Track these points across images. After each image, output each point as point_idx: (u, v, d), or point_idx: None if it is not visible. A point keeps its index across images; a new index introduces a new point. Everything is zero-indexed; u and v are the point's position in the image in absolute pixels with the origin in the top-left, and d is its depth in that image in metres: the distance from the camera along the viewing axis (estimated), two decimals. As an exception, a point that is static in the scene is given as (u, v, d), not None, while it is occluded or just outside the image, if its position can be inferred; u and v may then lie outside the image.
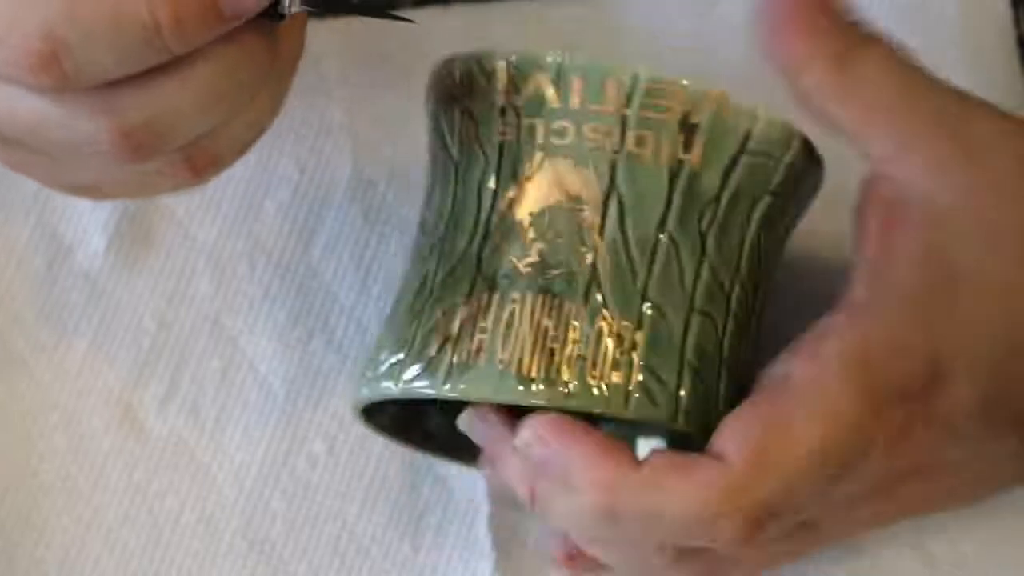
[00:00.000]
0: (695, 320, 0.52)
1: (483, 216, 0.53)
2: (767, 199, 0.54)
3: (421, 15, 0.65)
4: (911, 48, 0.64)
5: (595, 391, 0.51)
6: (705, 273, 0.53)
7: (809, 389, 0.50)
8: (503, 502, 0.59)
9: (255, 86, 0.50)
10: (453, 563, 0.61)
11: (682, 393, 0.52)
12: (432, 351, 0.52)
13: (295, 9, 0.49)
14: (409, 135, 0.64)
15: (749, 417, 0.51)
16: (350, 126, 0.64)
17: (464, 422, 0.54)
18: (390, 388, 0.53)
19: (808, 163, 0.54)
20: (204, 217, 0.64)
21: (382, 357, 0.54)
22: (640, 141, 0.52)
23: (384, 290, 0.63)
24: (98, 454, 0.61)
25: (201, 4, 0.47)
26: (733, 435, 0.50)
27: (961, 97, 0.54)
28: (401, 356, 0.53)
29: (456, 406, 0.55)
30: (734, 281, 0.53)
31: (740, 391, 0.53)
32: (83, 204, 0.63)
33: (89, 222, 0.63)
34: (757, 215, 0.54)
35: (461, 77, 0.54)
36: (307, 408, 0.62)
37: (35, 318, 0.63)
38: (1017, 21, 0.65)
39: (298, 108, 0.64)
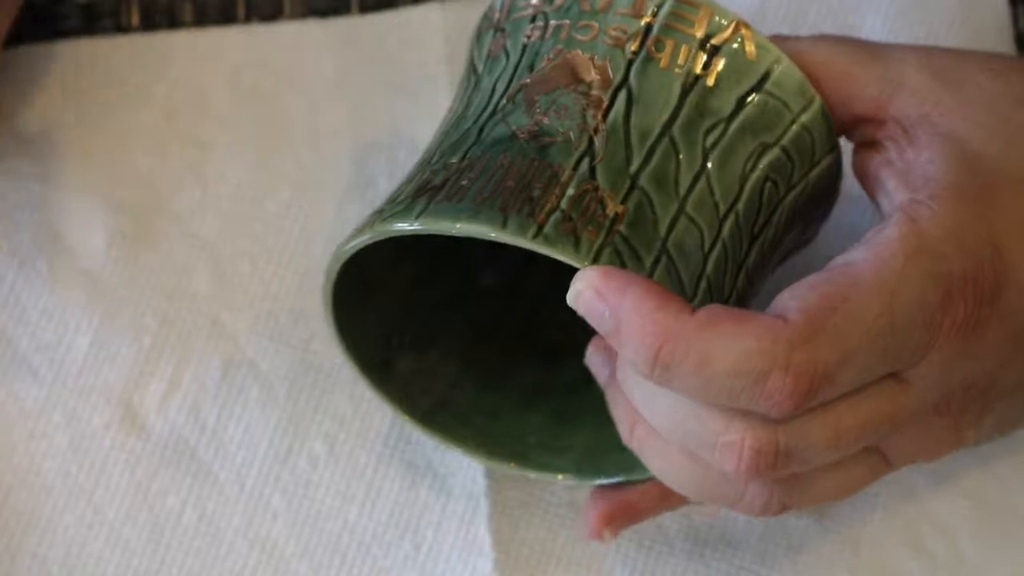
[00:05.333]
0: (683, 220, 0.52)
1: (494, 100, 0.53)
2: (776, 151, 0.54)
3: (419, 12, 0.65)
4: (910, 43, 0.64)
5: (568, 240, 0.50)
6: (701, 184, 0.52)
7: (873, 267, 0.49)
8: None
9: None
10: (453, 561, 0.61)
11: (657, 271, 0.51)
12: (410, 198, 0.52)
13: None
14: (409, 132, 0.64)
15: (811, 285, 0.49)
16: (350, 124, 0.64)
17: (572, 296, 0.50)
18: (364, 235, 0.52)
19: (820, 130, 0.54)
20: (205, 215, 0.64)
21: (373, 212, 0.54)
22: (659, 46, 0.53)
23: (384, 288, 0.63)
24: (99, 453, 0.62)
25: None
26: (793, 296, 0.49)
27: (903, 46, 0.54)
28: (387, 206, 0.52)
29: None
30: (730, 210, 0.53)
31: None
32: (84, 203, 0.63)
33: (90, 221, 0.63)
34: (765, 163, 0.53)
35: (503, 3, 0.55)
36: (308, 407, 0.62)
37: (37, 317, 0.63)
38: (1015, 18, 0.64)
39: (298, 108, 0.64)
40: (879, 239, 0.49)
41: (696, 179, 0.52)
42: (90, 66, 0.65)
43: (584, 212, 0.51)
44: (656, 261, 0.51)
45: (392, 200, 0.53)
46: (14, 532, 0.61)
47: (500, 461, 0.59)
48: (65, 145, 0.64)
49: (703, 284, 0.53)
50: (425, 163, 0.54)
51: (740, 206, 0.53)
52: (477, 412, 0.60)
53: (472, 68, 0.56)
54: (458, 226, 0.50)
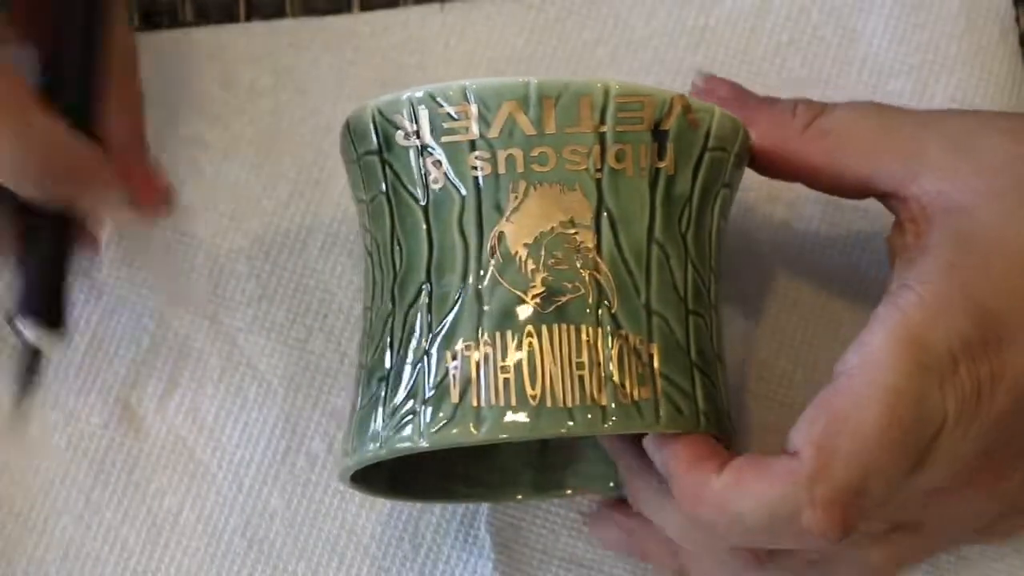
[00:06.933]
0: (691, 322, 0.52)
1: (472, 254, 0.51)
2: (723, 192, 0.54)
3: (418, 13, 0.65)
4: (913, 46, 0.64)
5: (631, 410, 0.50)
6: (691, 274, 0.53)
7: (864, 375, 0.50)
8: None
9: None
10: (453, 562, 0.61)
11: (699, 396, 0.52)
12: (454, 397, 0.51)
13: None
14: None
15: (815, 412, 0.50)
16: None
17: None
18: (413, 442, 0.51)
19: (746, 152, 0.55)
20: (202, 215, 0.63)
21: (387, 411, 0.52)
22: (620, 156, 0.51)
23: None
24: (97, 452, 0.61)
25: None
26: (801, 430, 0.50)
27: (926, 114, 0.55)
28: (414, 406, 0.51)
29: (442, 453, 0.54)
30: (709, 276, 0.54)
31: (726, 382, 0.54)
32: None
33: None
34: (717, 208, 0.54)
35: (413, 116, 0.52)
36: (306, 406, 0.62)
37: (34, 316, 0.62)
38: (1019, 19, 0.65)
39: (296, 107, 0.64)
40: (867, 339, 0.50)
41: (686, 272, 0.53)
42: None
43: (629, 371, 0.51)
44: (692, 382, 0.52)
45: (413, 385, 0.52)
46: (12, 532, 0.61)
47: (505, 500, 0.60)
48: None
49: (718, 367, 0.54)
50: (426, 335, 0.52)
51: (712, 263, 0.54)
52: (466, 483, 0.60)
53: (397, 190, 0.53)
54: (527, 433, 0.50)
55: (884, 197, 0.55)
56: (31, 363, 0.56)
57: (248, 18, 0.65)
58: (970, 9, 0.64)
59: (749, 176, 0.57)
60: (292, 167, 0.64)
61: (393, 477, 0.58)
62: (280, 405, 0.62)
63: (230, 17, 0.65)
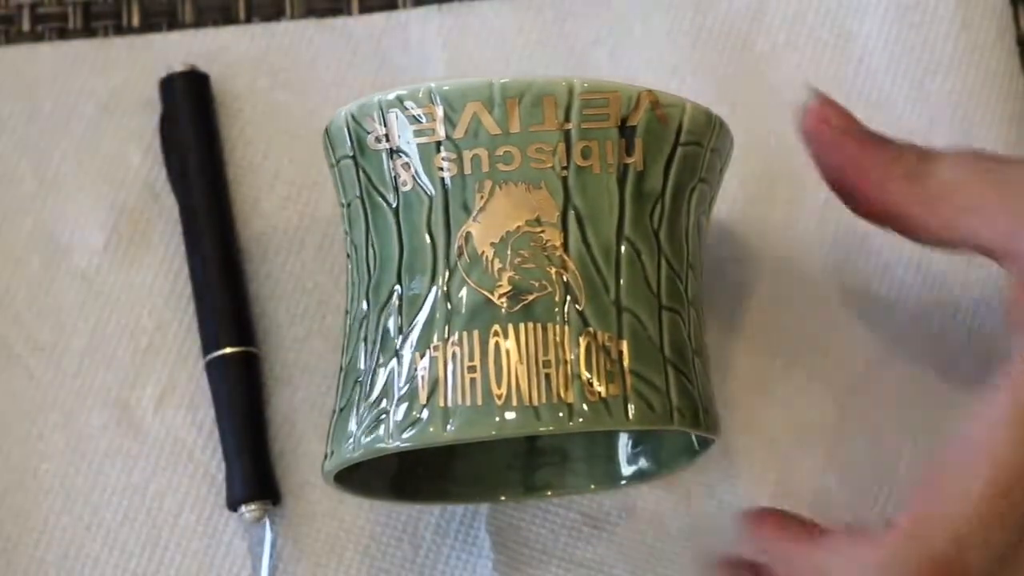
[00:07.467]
0: (665, 318, 0.52)
1: (440, 255, 0.52)
2: (699, 186, 0.54)
3: (417, 15, 0.65)
4: (909, 46, 0.64)
5: (599, 408, 0.50)
6: (664, 270, 0.53)
7: (971, 442, 0.49)
8: None
9: None
10: (453, 562, 0.61)
11: (672, 392, 0.52)
12: (422, 398, 0.51)
13: None
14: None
15: (918, 483, 0.50)
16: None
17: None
18: (385, 443, 0.51)
19: (724, 144, 0.55)
20: (201, 216, 0.64)
21: (361, 413, 0.52)
22: (586, 153, 0.51)
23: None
24: (96, 454, 0.61)
25: None
26: (904, 500, 0.50)
27: None
28: (386, 407, 0.52)
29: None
30: (684, 271, 0.54)
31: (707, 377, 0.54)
32: (80, 203, 0.63)
33: (86, 221, 0.63)
34: (693, 203, 0.54)
35: (382, 119, 0.52)
36: (304, 406, 0.62)
37: (33, 318, 0.62)
38: (1017, 19, 0.65)
39: (294, 109, 0.64)
40: (979, 410, 0.49)
41: (659, 268, 0.53)
42: (88, 66, 0.64)
43: (597, 368, 0.51)
44: (666, 379, 0.52)
45: (385, 387, 0.52)
46: (11, 534, 0.61)
47: (496, 500, 0.60)
48: (62, 144, 0.64)
49: (696, 362, 0.54)
50: (396, 336, 0.52)
51: (688, 258, 0.54)
52: (454, 482, 0.60)
53: (369, 192, 0.53)
54: (494, 432, 0.50)
55: (990, 254, 0.52)
56: (269, 548, 0.60)
57: (248, 19, 0.66)
58: (966, 9, 0.64)
59: (744, 174, 0.58)
60: (290, 168, 0.64)
61: (392, 479, 0.58)
62: (279, 405, 0.62)
63: (229, 18, 0.66)
